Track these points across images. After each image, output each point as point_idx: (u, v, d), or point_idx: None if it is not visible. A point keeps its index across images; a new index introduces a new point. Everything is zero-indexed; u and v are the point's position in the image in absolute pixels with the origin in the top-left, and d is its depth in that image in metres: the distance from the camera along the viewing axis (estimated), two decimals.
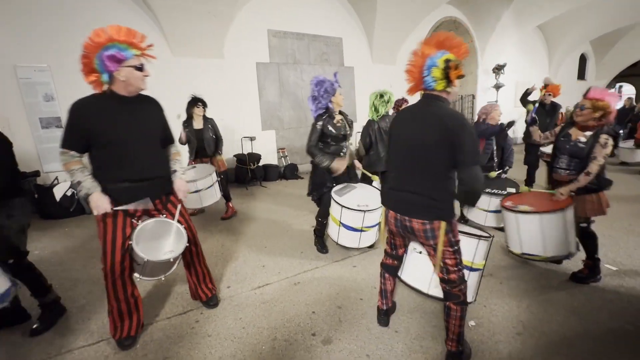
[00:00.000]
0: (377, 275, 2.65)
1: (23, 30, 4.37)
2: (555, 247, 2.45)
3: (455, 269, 1.65)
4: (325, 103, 2.80)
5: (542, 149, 4.41)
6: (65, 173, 1.71)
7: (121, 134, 1.72)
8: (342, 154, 2.94)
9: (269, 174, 6.41)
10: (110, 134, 1.70)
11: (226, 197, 4.16)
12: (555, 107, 4.74)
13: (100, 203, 1.68)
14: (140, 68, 1.71)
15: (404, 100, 4.78)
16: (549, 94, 4.71)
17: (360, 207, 2.70)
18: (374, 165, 3.23)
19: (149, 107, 1.89)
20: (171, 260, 1.84)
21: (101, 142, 1.70)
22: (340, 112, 2.96)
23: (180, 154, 2.12)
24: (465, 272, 1.77)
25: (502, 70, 10.21)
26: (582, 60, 14.73)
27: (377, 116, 3.28)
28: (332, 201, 2.79)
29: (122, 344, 1.92)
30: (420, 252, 2.02)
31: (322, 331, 2.04)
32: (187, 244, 1.95)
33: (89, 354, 1.89)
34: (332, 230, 2.91)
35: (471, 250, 1.93)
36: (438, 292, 1.85)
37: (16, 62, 4.39)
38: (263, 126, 6.62)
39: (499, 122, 3.47)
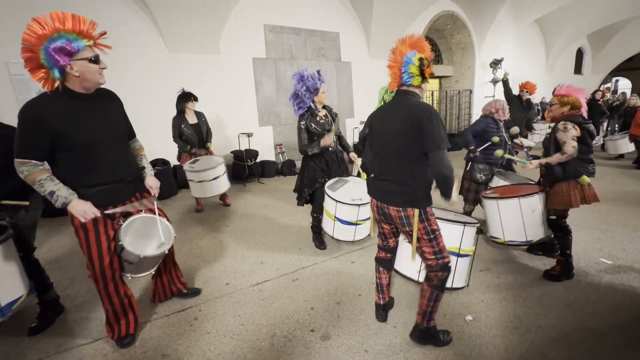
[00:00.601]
0: (374, 271, 2.67)
1: (16, 27, 4.26)
2: (534, 231, 2.53)
3: (432, 256, 1.73)
4: (307, 103, 2.75)
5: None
6: (32, 185, 1.53)
7: (86, 134, 1.59)
8: (330, 149, 2.90)
9: (267, 170, 6.39)
10: (75, 136, 1.55)
11: None
12: (530, 104, 5.04)
13: (85, 208, 1.58)
14: (95, 60, 1.53)
15: None
16: (526, 91, 4.93)
17: (354, 201, 2.70)
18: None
19: (110, 102, 1.75)
20: (166, 252, 1.87)
21: (66, 145, 1.55)
22: (324, 107, 2.93)
23: (144, 148, 2.04)
24: (452, 258, 1.85)
25: (499, 65, 10.20)
26: (579, 54, 14.76)
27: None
28: (326, 196, 2.78)
29: (122, 342, 1.91)
30: (405, 240, 2.04)
31: (321, 327, 2.05)
32: (175, 235, 1.95)
33: (88, 352, 1.89)
34: (327, 225, 2.90)
35: (457, 236, 1.96)
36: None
37: (9, 59, 4.32)
38: (260, 122, 6.58)
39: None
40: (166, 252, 1.87)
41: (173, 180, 5.32)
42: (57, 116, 1.51)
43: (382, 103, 3.24)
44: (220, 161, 3.93)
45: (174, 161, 5.56)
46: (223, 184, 3.93)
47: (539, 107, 11.06)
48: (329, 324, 2.07)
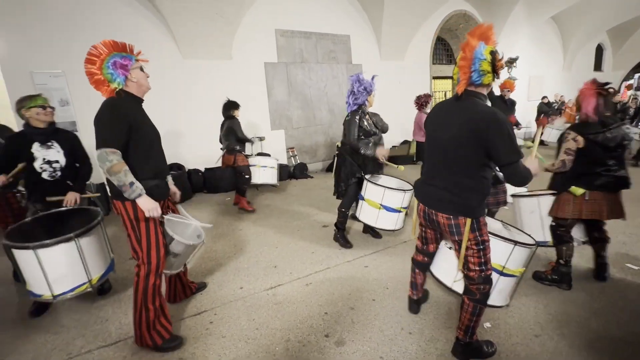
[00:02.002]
0: (389, 276, 2.66)
1: (39, 38, 4.49)
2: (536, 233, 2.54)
3: (477, 268, 1.64)
4: (362, 100, 3.00)
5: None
6: (112, 175, 1.63)
7: (150, 130, 1.84)
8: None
9: (279, 173, 6.42)
10: (144, 130, 1.79)
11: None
12: (513, 102, 5.14)
13: (154, 206, 1.73)
14: (142, 69, 1.85)
15: (428, 96, 4.98)
16: (507, 90, 4.98)
17: (398, 187, 2.95)
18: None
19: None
20: (204, 242, 2.09)
21: (137, 137, 1.73)
22: (369, 113, 3.17)
23: None
24: (495, 275, 1.76)
25: (514, 64, 9.98)
26: (599, 50, 14.27)
27: None
28: (371, 186, 2.94)
29: (171, 344, 1.92)
30: (450, 248, 1.99)
31: (335, 332, 2.04)
32: (210, 225, 2.15)
33: (108, 354, 1.94)
34: (369, 215, 3.00)
35: (504, 254, 1.81)
36: (460, 288, 1.83)
37: (33, 69, 4.51)
38: (272, 126, 6.64)
39: None
40: (204, 241, 2.06)
41: (188, 184, 5.42)
42: (131, 111, 1.75)
43: None
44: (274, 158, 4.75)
45: (188, 166, 5.68)
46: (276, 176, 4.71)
47: (556, 105, 10.74)
48: (343, 330, 2.06)
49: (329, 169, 7.00)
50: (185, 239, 1.95)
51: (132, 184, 1.65)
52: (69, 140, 2.48)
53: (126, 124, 1.69)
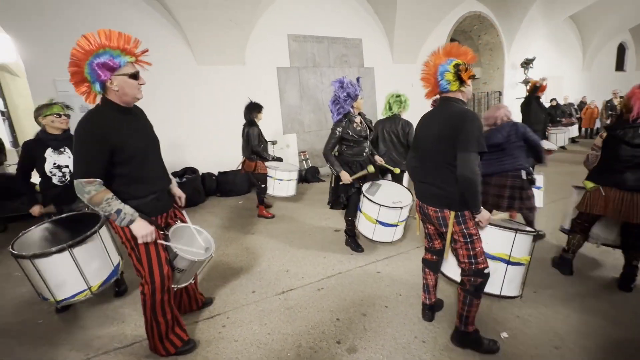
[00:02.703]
0: (402, 283, 2.62)
1: (62, 48, 4.65)
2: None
3: (466, 260, 1.75)
4: (347, 108, 2.89)
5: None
6: (95, 207, 1.53)
7: (139, 145, 1.63)
8: (364, 154, 3.03)
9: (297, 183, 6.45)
10: (130, 147, 1.58)
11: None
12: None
13: (148, 231, 1.61)
14: (134, 76, 1.58)
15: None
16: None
17: (395, 204, 2.84)
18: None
19: (143, 116, 1.81)
20: (212, 256, 1.94)
21: (123, 158, 1.57)
22: (359, 113, 3.06)
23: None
24: (501, 264, 1.86)
25: (530, 65, 9.75)
26: (621, 50, 13.78)
27: (390, 113, 3.54)
28: (367, 201, 2.86)
29: (185, 348, 1.93)
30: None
31: (347, 339, 2.02)
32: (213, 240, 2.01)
33: (124, 356, 1.98)
34: (366, 228, 2.96)
35: (507, 243, 1.85)
36: None
37: (55, 77, 4.70)
38: (284, 130, 6.68)
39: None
40: (212, 255, 1.93)
41: (201, 188, 5.51)
42: (112, 130, 1.53)
43: (387, 107, 3.59)
44: (295, 168, 4.44)
45: (202, 169, 5.77)
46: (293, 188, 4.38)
47: (575, 107, 10.44)
48: (355, 336, 2.04)
49: None
50: (191, 253, 1.83)
51: (118, 211, 1.53)
52: None
53: (106, 147, 1.50)
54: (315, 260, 3.10)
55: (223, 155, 5.95)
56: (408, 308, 2.29)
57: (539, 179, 3.42)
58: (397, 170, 3.23)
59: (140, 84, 1.62)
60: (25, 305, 2.61)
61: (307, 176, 6.63)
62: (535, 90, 5.12)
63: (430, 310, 2.14)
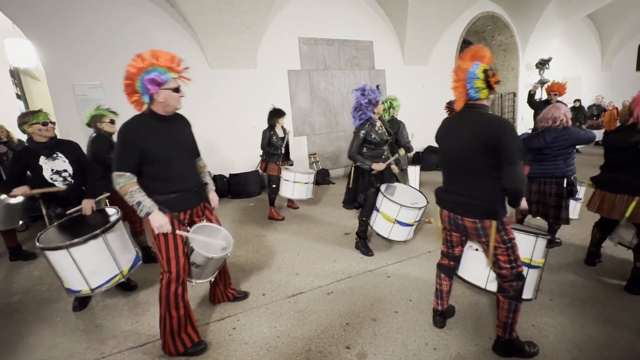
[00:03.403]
0: (413, 288, 2.59)
1: (80, 53, 4.83)
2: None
3: (508, 265, 1.72)
4: (368, 114, 3.00)
5: None
6: (123, 196, 1.77)
7: (165, 150, 1.83)
8: (383, 157, 3.12)
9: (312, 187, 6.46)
10: (157, 151, 1.80)
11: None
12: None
13: (163, 223, 1.79)
14: (176, 89, 1.82)
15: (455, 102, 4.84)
16: (555, 94, 4.56)
17: (413, 204, 2.96)
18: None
19: (182, 124, 2.02)
20: (228, 255, 2.01)
21: (150, 159, 1.80)
22: (379, 119, 3.18)
23: (207, 166, 2.30)
24: (524, 268, 1.83)
25: (546, 65, 9.52)
26: None
27: (386, 118, 3.74)
28: (387, 201, 2.95)
29: (195, 350, 1.97)
30: (477, 250, 2.00)
31: (357, 344, 2.01)
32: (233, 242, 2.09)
33: (137, 356, 2.02)
34: (383, 227, 3.04)
35: (529, 247, 1.93)
36: (494, 287, 1.91)
37: (74, 81, 4.85)
38: (295, 132, 6.71)
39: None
40: (228, 254, 2.01)
41: None
42: (144, 136, 1.78)
43: (383, 113, 3.70)
44: (311, 171, 4.49)
45: (214, 171, 5.85)
46: (309, 191, 4.40)
47: (594, 109, 10.14)
48: (365, 342, 2.02)
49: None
50: (207, 249, 1.92)
51: (139, 203, 1.75)
52: (71, 150, 2.57)
53: (136, 148, 1.75)
54: (326, 264, 3.10)
55: (235, 157, 6.03)
56: (419, 314, 2.26)
57: (581, 191, 3.34)
58: (402, 152, 3.37)
59: (181, 96, 1.87)
60: (45, 303, 2.69)
61: (318, 179, 6.63)
62: (531, 95, 5.07)
63: (442, 316, 2.11)
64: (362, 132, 2.98)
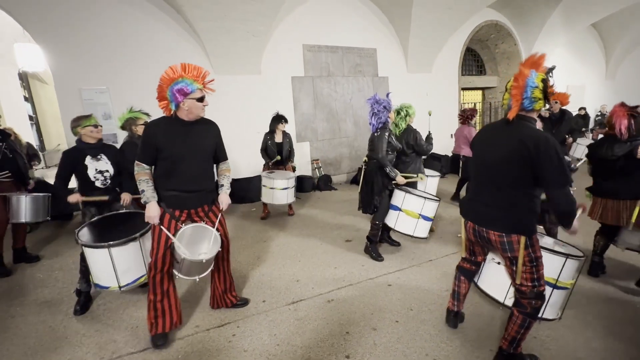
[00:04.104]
0: (414, 297, 2.58)
1: (87, 58, 4.91)
2: None
3: (529, 283, 1.68)
4: (384, 118, 3.11)
5: None
6: (137, 180, 2.01)
7: (176, 151, 1.99)
8: (392, 163, 3.21)
9: (303, 185, 6.48)
10: (168, 150, 1.98)
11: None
12: (563, 114, 4.47)
13: (151, 214, 1.97)
14: (201, 99, 2.00)
15: (474, 110, 5.05)
16: (555, 102, 4.42)
17: (433, 198, 3.14)
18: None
19: (206, 129, 2.16)
20: (204, 261, 2.02)
21: (162, 156, 2.00)
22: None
23: (231, 170, 2.42)
24: (548, 288, 1.79)
25: (550, 74, 9.49)
26: None
27: (399, 131, 3.60)
28: (410, 196, 3.09)
29: (156, 342, 2.11)
30: (499, 263, 1.97)
31: (356, 354, 1.99)
32: (220, 249, 2.13)
33: None
34: (407, 225, 3.14)
35: (556, 267, 1.85)
36: (512, 303, 1.86)
37: (81, 86, 4.92)
38: (297, 138, 6.74)
39: None
40: (203, 261, 2.03)
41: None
42: (162, 134, 1.99)
43: (394, 125, 3.60)
44: (292, 176, 4.45)
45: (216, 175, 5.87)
46: (290, 196, 4.45)
47: (599, 117, 10.12)
48: (365, 352, 2.01)
49: (353, 181, 6.97)
50: (188, 251, 1.99)
51: (142, 191, 1.98)
52: (113, 153, 2.81)
53: (153, 145, 1.98)
54: (327, 271, 3.09)
55: (238, 162, 6.05)
56: (419, 324, 2.25)
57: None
58: (422, 178, 3.37)
59: (204, 105, 2.05)
60: (46, 306, 2.70)
61: (320, 184, 6.65)
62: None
63: (455, 317, 2.15)
64: (387, 134, 3.07)
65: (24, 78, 8.11)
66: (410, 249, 3.45)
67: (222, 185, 2.31)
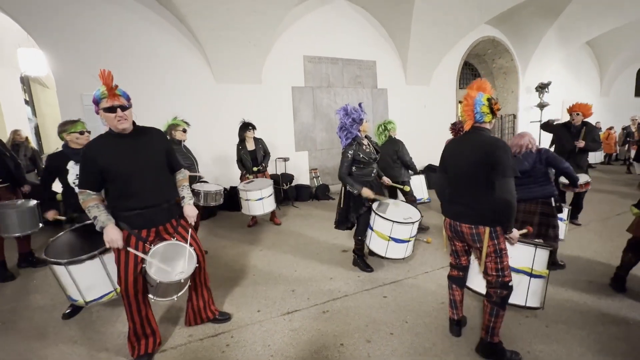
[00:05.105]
0: (409, 309, 2.58)
1: (91, 64, 4.95)
2: None
3: (494, 273, 1.91)
4: (354, 133, 3.02)
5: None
6: (85, 209, 1.86)
7: (124, 167, 1.84)
8: (372, 175, 3.15)
9: (301, 194, 6.51)
10: (115, 169, 1.82)
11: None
12: (584, 126, 4.33)
13: (113, 238, 1.82)
14: (110, 109, 1.76)
15: (461, 123, 5.15)
16: (577, 114, 4.30)
17: (406, 219, 2.97)
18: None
19: (150, 139, 1.98)
20: (182, 281, 1.90)
21: (110, 177, 1.84)
22: (366, 137, 3.20)
23: (187, 179, 2.26)
24: (525, 277, 2.09)
25: (546, 89, 9.69)
26: None
27: (380, 143, 4.17)
28: (379, 218, 2.97)
29: None
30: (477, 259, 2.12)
31: None
32: (197, 264, 2.00)
33: None
34: (379, 246, 3.03)
35: (528, 256, 2.10)
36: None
37: (83, 91, 4.96)
38: (296, 147, 6.79)
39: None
40: (182, 281, 1.90)
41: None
42: (104, 155, 1.82)
43: (378, 140, 4.20)
44: (267, 184, 4.31)
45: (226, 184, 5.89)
46: (267, 205, 4.30)
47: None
48: None
49: None
50: (165, 273, 1.87)
51: (95, 218, 1.82)
52: None
53: (95, 167, 1.81)
54: (322, 281, 3.09)
55: (236, 170, 6.07)
56: (414, 337, 2.24)
57: (565, 212, 3.33)
58: (407, 188, 3.40)
59: (118, 116, 1.79)
60: (39, 312, 2.68)
61: (318, 194, 6.67)
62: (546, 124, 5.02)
63: (458, 325, 2.23)
64: (350, 152, 2.98)
65: (25, 82, 8.16)
66: (405, 261, 3.45)
67: (183, 197, 2.15)
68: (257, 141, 4.66)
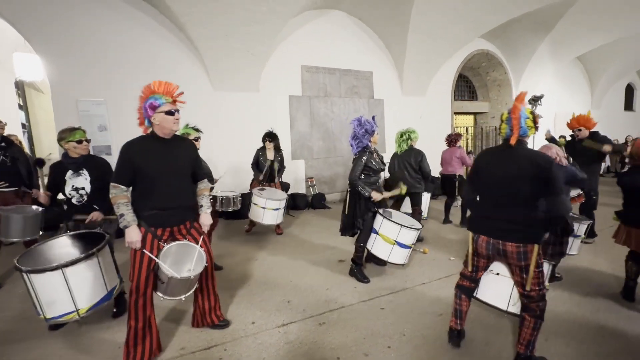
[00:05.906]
0: (407, 321, 2.54)
1: (87, 69, 4.95)
2: None
3: (537, 287, 1.90)
4: (365, 142, 3.15)
5: None
6: (113, 204, 1.95)
7: (152, 169, 1.97)
8: (377, 184, 3.26)
9: (297, 202, 6.47)
10: (145, 170, 1.96)
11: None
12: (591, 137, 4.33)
13: (133, 239, 1.91)
14: (170, 112, 1.97)
15: (458, 134, 5.35)
16: (580, 129, 4.39)
17: (412, 225, 3.10)
18: (394, 187, 3.71)
19: (182, 147, 2.14)
20: (191, 277, 1.99)
21: (139, 176, 1.97)
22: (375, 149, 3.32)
23: (208, 190, 2.38)
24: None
25: (539, 102, 9.86)
26: (629, 90, 13.93)
27: (400, 151, 4.22)
28: (387, 222, 3.05)
29: None
30: (498, 274, 2.13)
31: None
32: (206, 264, 2.10)
33: None
34: (383, 249, 3.10)
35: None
36: (516, 310, 2.06)
37: (78, 97, 4.92)
38: (293, 156, 6.78)
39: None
40: (191, 277, 1.99)
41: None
42: (138, 153, 1.97)
43: (397, 144, 4.22)
44: (284, 197, 4.39)
45: (213, 192, 5.83)
46: (280, 216, 4.35)
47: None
48: None
49: None
50: (175, 270, 1.96)
51: (121, 215, 1.91)
52: (99, 167, 2.66)
53: (130, 166, 1.95)
54: (318, 292, 3.03)
55: (234, 178, 6.03)
56: (412, 350, 2.20)
57: (581, 229, 3.23)
58: (403, 190, 3.42)
59: (176, 119, 2.02)
60: (24, 321, 2.58)
61: (314, 202, 6.64)
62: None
63: (458, 336, 2.18)
64: (364, 157, 3.11)
65: (19, 86, 8.09)
66: (403, 272, 3.42)
67: (202, 206, 2.27)
68: (277, 153, 4.68)
